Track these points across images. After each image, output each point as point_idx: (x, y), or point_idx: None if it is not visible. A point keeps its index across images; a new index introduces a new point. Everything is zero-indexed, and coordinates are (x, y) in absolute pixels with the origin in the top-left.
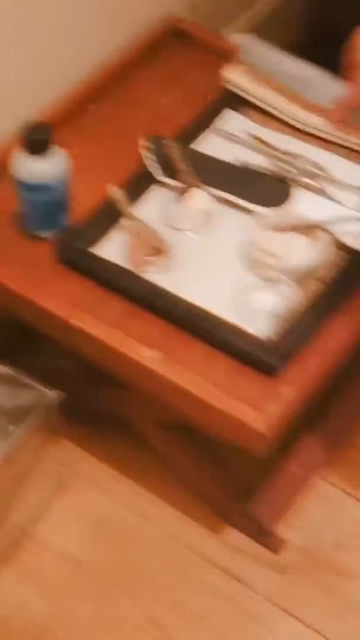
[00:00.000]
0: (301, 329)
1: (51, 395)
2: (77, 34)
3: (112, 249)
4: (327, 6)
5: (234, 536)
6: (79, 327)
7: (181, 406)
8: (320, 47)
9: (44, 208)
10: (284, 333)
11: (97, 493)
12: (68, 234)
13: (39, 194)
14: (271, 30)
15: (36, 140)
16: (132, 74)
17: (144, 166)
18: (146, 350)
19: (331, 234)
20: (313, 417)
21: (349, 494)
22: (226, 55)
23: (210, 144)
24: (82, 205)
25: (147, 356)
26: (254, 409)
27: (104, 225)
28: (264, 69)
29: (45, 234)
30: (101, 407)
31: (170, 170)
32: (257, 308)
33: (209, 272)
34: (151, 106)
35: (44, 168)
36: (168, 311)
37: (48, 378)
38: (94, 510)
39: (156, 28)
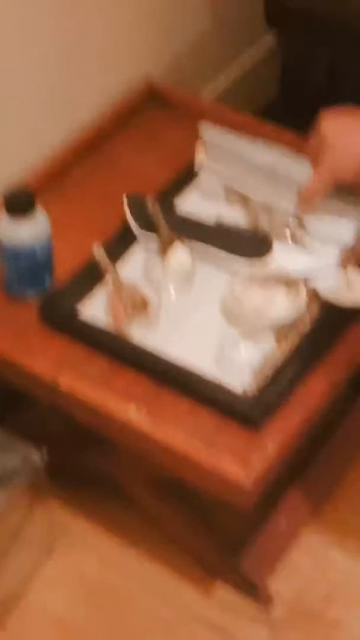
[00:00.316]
0: (283, 381)
1: (38, 455)
2: (57, 98)
3: (96, 307)
4: (302, 69)
5: (224, 592)
6: (65, 388)
7: (167, 462)
8: (295, 109)
9: (28, 270)
10: (266, 386)
11: (86, 553)
12: (52, 295)
13: (22, 256)
14: (247, 92)
15: (19, 204)
16: (111, 136)
17: (126, 225)
18: (131, 408)
19: (310, 286)
20: (298, 469)
21: (338, 545)
22: (203, 116)
23: (190, 201)
24: (66, 265)
25: (133, 414)
26: (238, 464)
27: (88, 285)
28: (227, 160)
29: (30, 295)
30: (89, 466)
31: (151, 228)
32: (239, 362)
33: (192, 328)
34: (131, 167)
35: (27, 231)
36: (152, 369)
37: (34, 438)
38: (83, 571)
39: (134, 90)
